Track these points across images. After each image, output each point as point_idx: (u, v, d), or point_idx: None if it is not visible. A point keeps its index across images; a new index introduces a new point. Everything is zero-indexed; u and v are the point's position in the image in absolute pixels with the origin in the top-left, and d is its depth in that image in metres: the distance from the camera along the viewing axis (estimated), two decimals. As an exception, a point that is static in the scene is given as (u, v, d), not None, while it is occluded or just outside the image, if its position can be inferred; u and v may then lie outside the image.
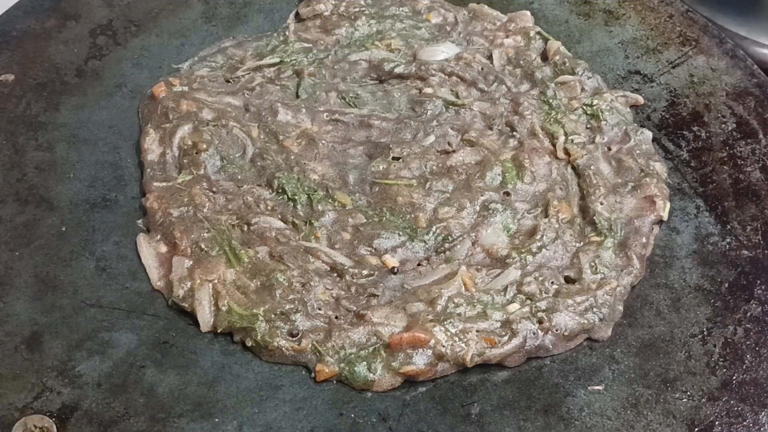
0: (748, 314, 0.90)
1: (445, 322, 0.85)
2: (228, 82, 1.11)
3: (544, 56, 1.15)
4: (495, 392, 0.84)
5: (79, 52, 1.14)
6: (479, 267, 0.92)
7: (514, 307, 0.88)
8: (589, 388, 0.84)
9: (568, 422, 0.82)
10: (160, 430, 0.80)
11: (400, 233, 0.94)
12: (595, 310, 0.88)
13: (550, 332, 0.86)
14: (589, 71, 1.12)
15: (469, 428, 0.81)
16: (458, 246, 0.94)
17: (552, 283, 0.90)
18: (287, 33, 1.18)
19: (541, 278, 0.90)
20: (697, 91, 1.13)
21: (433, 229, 0.94)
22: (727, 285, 0.93)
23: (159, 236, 0.93)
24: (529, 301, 0.88)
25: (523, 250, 0.93)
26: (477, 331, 0.85)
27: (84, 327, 0.87)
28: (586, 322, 0.87)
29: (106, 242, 0.94)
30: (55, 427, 0.79)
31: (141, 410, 0.81)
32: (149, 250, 0.93)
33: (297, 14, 1.21)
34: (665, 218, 0.98)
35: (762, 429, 0.81)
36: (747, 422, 0.82)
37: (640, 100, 1.10)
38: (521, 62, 1.14)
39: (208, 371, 0.84)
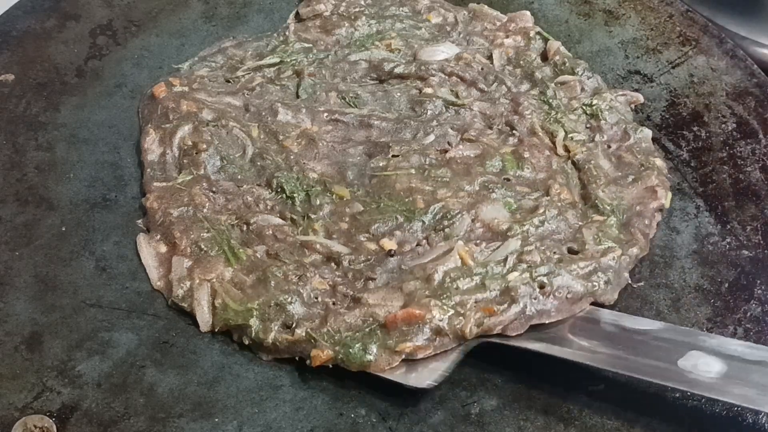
0: (748, 314, 0.90)
1: (442, 297, 0.83)
2: (228, 82, 1.11)
3: (544, 56, 1.15)
4: (495, 392, 0.84)
5: (79, 52, 1.14)
6: (479, 241, 0.90)
7: (514, 275, 0.86)
8: (589, 388, 0.84)
9: (568, 422, 0.82)
10: (160, 430, 0.80)
11: (399, 216, 0.93)
12: (599, 274, 0.86)
13: (552, 296, 0.84)
14: (589, 71, 1.12)
15: (469, 428, 0.81)
16: (457, 223, 0.92)
17: (554, 252, 0.88)
18: (287, 33, 1.18)
19: (543, 248, 0.88)
20: (697, 91, 1.13)
21: (432, 208, 0.93)
22: (727, 285, 0.93)
23: (159, 236, 0.93)
24: (529, 269, 0.86)
25: (525, 223, 0.91)
26: (475, 302, 0.84)
27: (84, 327, 0.87)
28: (590, 284, 0.86)
29: (106, 242, 0.94)
30: (55, 427, 0.79)
31: (141, 410, 0.81)
32: (149, 250, 0.93)
33: (297, 14, 1.21)
34: (667, 206, 0.98)
35: (762, 429, 0.81)
36: (747, 422, 0.82)
37: (640, 98, 1.10)
38: (521, 62, 1.14)
39: (208, 371, 0.84)
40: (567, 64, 1.12)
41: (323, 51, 1.15)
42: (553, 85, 1.10)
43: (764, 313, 0.90)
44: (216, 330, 0.86)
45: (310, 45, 1.16)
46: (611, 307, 0.89)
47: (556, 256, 0.88)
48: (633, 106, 1.10)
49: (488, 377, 0.85)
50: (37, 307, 0.88)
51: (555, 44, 1.15)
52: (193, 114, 1.03)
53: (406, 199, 0.95)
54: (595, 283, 0.86)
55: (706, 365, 0.78)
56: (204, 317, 0.87)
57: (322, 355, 0.82)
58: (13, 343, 0.85)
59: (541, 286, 0.85)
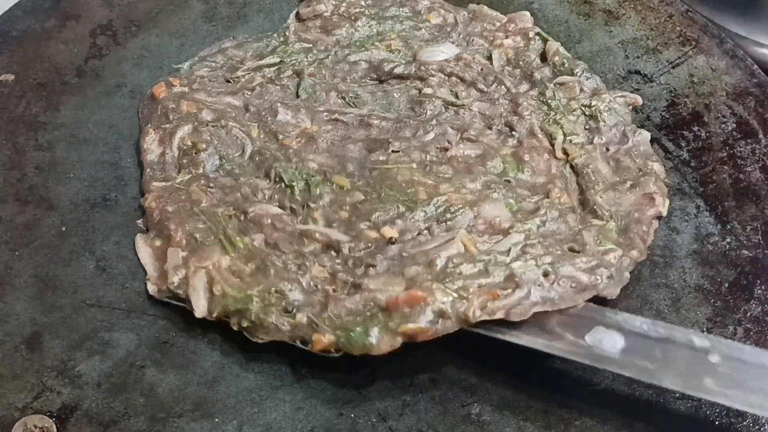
0: (748, 314, 0.90)
1: (445, 281, 0.83)
2: (228, 82, 1.11)
3: (544, 57, 1.15)
4: (495, 392, 0.84)
5: (79, 52, 1.14)
6: (481, 233, 0.90)
7: (518, 263, 0.85)
8: (589, 388, 0.84)
9: (568, 422, 0.82)
10: (160, 430, 0.80)
11: (400, 205, 0.92)
12: (602, 269, 0.87)
13: (556, 283, 0.84)
14: (588, 72, 1.12)
15: (469, 428, 0.81)
16: (459, 216, 0.91)
17: (557, 249, 0.88)
18: (287, 33, 1.18)
19: (546, 243, 0.88)
20: (697, 91, 1.13)
21: (434, 201, 0.92)
22: (727, 285, 0.93)
23: (155, 233, 0.93)
24: (533, 259, 0.86)
25: (526, 222, 0.91)
26: (478, 286, 0.83)
27: (84, 327, 0.87)
28: (594, 277, 0.86)
29: (106, 242, 0.94)
30: (55, 427, 0.79)
31: (141, 410, 0.81)
32: (146, 249, 0.92)
33: (297, 14, 1.21)
34: (664, 214, 0.98)
35: (762, 429, 0.81)
36: (747, 422, 0.82)
37: (639, 100, 1.10)
38: (520, 63, 1.14)
39: (208, 371, 0.84)
40: (566, 65, 1.12)
41: (323, 51, 1.15)
42: (552, 85, 1.10)
43: (764, 313, 0.90)
44: (213, 316, 0.85)
45: (310, 45, 1.16)
46: (612, 304, 0.88)
47: (559, 252, 0.88)
48: (632, 107, 1.10)
49: (488, 377, 0.85)
50: (37, 307, 0.88)
51: (554, 45, 1.15)
52: (192, 114, 1.03)
53: (408, 190, 0.94)
54: (598, 277, 0.86)
55: (611, 340, 0.82)
56: (199, 303, 0.86)
57: (323, 339, 0.81)
58: (13, 343, 0.85)
59: (546, 274, 0.85)
